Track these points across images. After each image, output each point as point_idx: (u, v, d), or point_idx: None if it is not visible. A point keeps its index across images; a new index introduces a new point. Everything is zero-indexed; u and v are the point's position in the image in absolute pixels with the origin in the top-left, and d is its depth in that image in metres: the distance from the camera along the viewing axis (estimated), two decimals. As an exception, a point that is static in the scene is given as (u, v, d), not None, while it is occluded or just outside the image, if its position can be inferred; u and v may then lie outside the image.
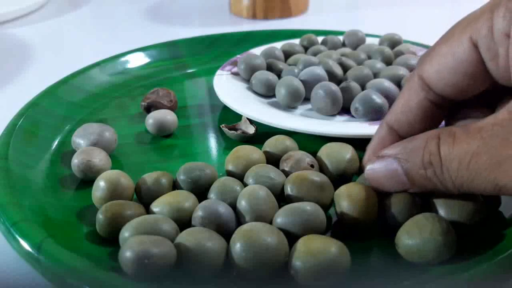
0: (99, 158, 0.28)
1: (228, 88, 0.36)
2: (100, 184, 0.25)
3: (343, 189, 0.24)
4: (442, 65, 0.21)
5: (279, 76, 0.37)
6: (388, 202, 0.23)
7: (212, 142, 0.33)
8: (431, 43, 0.24)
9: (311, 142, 0.31)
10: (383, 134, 0.24)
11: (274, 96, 0.36)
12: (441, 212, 0.22)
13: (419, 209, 0.22)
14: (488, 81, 0.21)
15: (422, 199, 0.23)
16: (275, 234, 0.21)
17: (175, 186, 0.26)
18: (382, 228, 0.23)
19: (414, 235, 0.21)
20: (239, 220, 0.23)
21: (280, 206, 0.24)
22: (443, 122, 0.24)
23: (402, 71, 0.35)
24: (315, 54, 0.40)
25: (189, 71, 0.43)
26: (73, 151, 0.30)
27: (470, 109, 0.22)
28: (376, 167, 0.22)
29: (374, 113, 0.32)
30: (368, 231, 0.23)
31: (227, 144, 0.32)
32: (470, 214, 0.22)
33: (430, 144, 0.20)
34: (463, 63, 0.20)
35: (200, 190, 0.25)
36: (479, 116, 0.21)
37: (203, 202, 0.23)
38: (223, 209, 0.23)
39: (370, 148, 0.24)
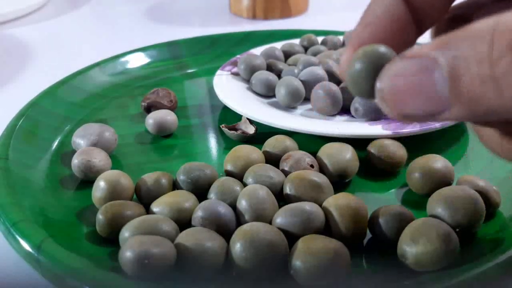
0: (99, 158, 0.28)
1: (228, 88, 0.36)
2: (100, 184, 0.25)
3: (331, 200, 0.23)
4: None
5: (279, 76, 0.37)
6: (377, 214, 0.22)
7: (212, 142, 0.33)
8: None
9: (311, 142, 0.31)
10: (391, 4, 0.16)
11: (274, 96, 0.36)
12: (440, 212, 0.22)
13: (409, 221, 0.22)
14: None
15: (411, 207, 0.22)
16: (275, 234, 0.21)
17: (175, 186, 0.26)
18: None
19: (422, 243, 0.20)
20: (239, 220, 0.23)
21: (279, 206, 0.24)
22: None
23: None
24: (315, 54, 0.40)
25: (189, 71, 0.43)
26: (73, 151, 0.30)
27: None
28: (401, 69, 0.13)
29: (374, 113, 0.32)
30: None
31: (227, 144, 0.32)
32: (469, 214, 0.22)
33: (501, 38, 0.12)
34: None
35: (200, 190, 0.25)
36: None
37: (203, 202, 0.23)
38: (223, 209, 0.23)
39: (364, 25, 0.16)
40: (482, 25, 0.12)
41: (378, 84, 0.14)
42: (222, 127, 0.33)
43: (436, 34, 0.18)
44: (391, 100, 0.14)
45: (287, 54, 0.41)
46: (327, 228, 0.22)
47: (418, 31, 0.17)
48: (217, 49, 0.46)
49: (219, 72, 0.39)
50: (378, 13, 0.16)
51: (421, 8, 0.16)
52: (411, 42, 0.17)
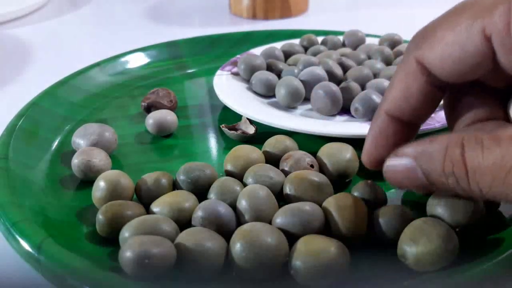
0: (99, 158, 0.28)
1: (228, 88, 0.36)
2: (100, 184, 0.25)
3: (331, 200, 0.23)
4: (447, 54, 0.19)
5: (279, 76, 0.37)
6: (377, 214, 0.22)
7: (212, 142, 0.33)
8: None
9: (311, 142, 0.31)
10: (384, 125, 0.22)
11: (274, 96, 0.36)
12: (440, 212, 0.22)
13: (409, 221, 0.22)
14: (499, 72, 0.19)
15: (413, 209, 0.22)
16: (275, 234, 0.21)
17: (175, 186, 0.26)
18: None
19: (422, 243, 0.20)
20: (239, 220, 0.23)
21: (279, 206, 0.24)
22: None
23: (402, 71, 0.35)
24: (315, 54, 0.40)
25: (189, 71, 0.43)
26: (73, 151, 0.30)
27: (473, 95, 0.22)
28: (395, 164, 0.20)
29: (374, 113, 0.32)
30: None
31: (227, 144, 0.32)
32: (469, 214, 0.22)
33: (452, 152, 0.18)
34: (473, 55, 0.19)
35: (200, 190, 0.25)
36: (483, 101, 0.21)
37: (203, 202, 0.23)
38: (223, 209, 0.23)
39: (370, 142, 0.23)
40: (440, 144, 0.19)
41: (383, 169, 0.21)
42: (222, 127, 0.33)
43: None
44: (391, 179, 0.21)
45: (287, 54, 0.41)
46: (327, 228, 0.22)
47: (414, 127, 0.23)
48: (217, 49, 0.46)
49: (219, 72, 0.39)
50: (376, 132, 0.22)
51: (408, 122, 0.22)
52: (406, 139, 0.23)
